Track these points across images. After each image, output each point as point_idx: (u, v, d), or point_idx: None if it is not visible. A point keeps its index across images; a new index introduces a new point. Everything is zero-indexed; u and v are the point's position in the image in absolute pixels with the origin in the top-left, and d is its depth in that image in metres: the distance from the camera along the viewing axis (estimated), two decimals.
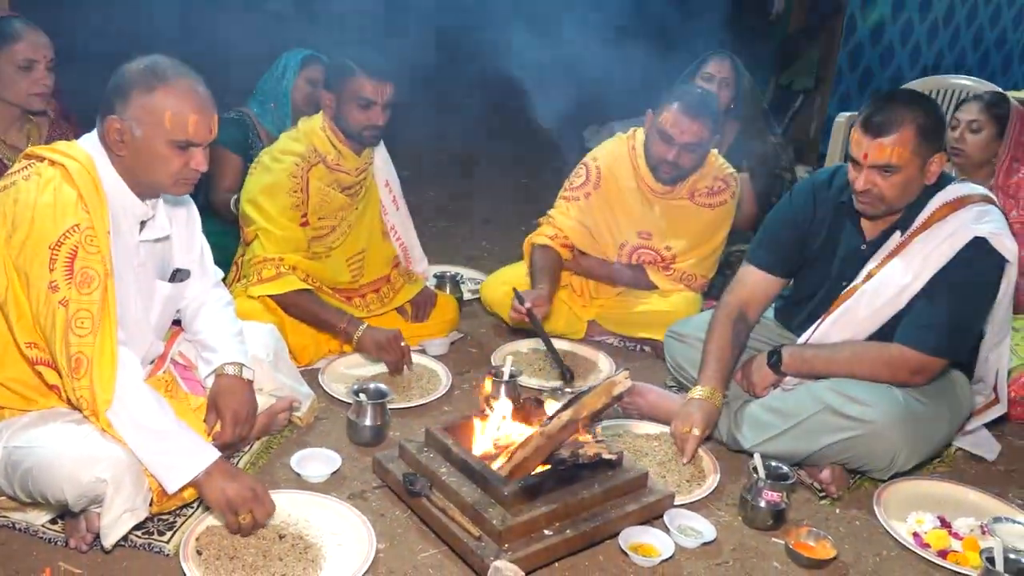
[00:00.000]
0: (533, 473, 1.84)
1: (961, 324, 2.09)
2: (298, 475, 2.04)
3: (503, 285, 2.93)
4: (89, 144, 1.79)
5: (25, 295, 1.68)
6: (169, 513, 1.86)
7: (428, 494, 1.88)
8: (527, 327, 2.67)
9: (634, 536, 1.85)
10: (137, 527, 1.75)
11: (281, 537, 1.80)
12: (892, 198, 2.08)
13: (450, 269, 3.28)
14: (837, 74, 5.95)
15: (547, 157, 5.42)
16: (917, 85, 3.94)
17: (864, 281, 2.17)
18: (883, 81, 6.17)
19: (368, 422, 2.20)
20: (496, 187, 4.90)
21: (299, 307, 2.48)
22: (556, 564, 1.79)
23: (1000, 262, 2.05)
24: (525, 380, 2.53)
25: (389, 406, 2.26)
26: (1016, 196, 2.71)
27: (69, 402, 1.73)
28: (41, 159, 1.72)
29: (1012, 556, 1.73)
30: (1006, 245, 2.03)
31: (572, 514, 1.83)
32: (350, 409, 2.23)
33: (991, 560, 1.72)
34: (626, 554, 1.82)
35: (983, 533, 1.96)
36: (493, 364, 2.60)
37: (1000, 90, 2.96)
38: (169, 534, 1.82)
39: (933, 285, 2.07)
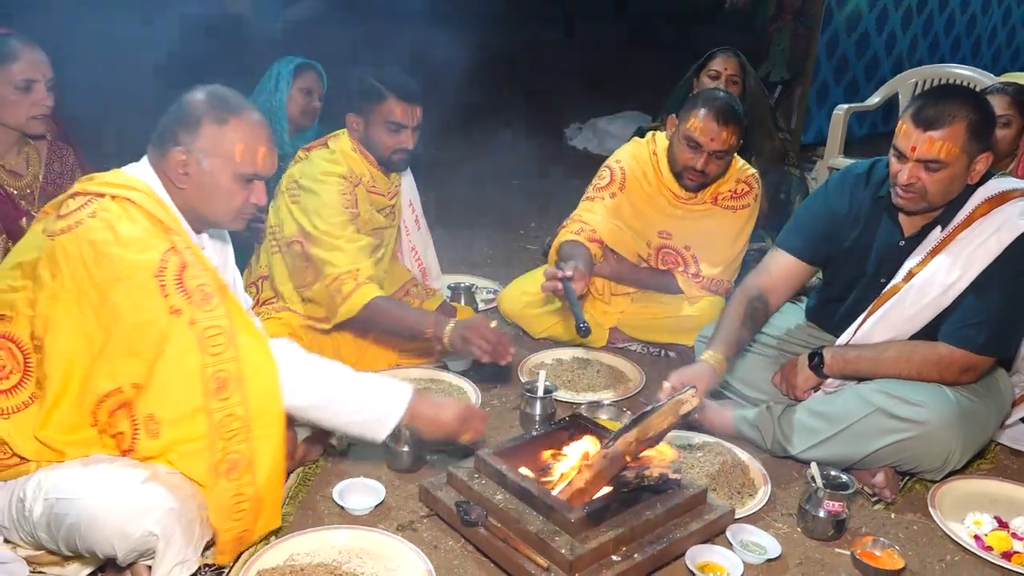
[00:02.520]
0: (596, 497, 1.78)
1: (1012, 321, 2.07)
2: (342, 508, 1.96)
3: (523, 295, 2.87)
4: (143, 173, 1.72)
5: (107, 333, 1.58)
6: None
7: (485, 523, 1.81)
8: (558, 297, 2.45)
9: (700, 555, 1.80)
10: None
11: (336, 575, 1.72)
12: (935, 194, 2.04)
13: (463, 280, 3.19)
14: (815, 64, 5.97)
15: (531, 157, 5.39)
16: (914, 74, 3.96)
17: (906, 280, 2.14)
18: (859, 70, 6.22)
19: (406, 447, 2.12)
20: (489, 192, 4.83)
21: (385, 314, 2.36)
22: None
23: None
24: (560, 395, 2.46)
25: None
26: None
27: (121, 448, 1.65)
28: (100, 195, 1.63)
29: None
30: None
31: (638, 537, 1.77)
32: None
33: None
34: (694, 574, 1.77)
35: None
36: (524, 380, 2.53)
37: (1015, 82, 2.96)
38: None
39: (981, 282, 2.04)
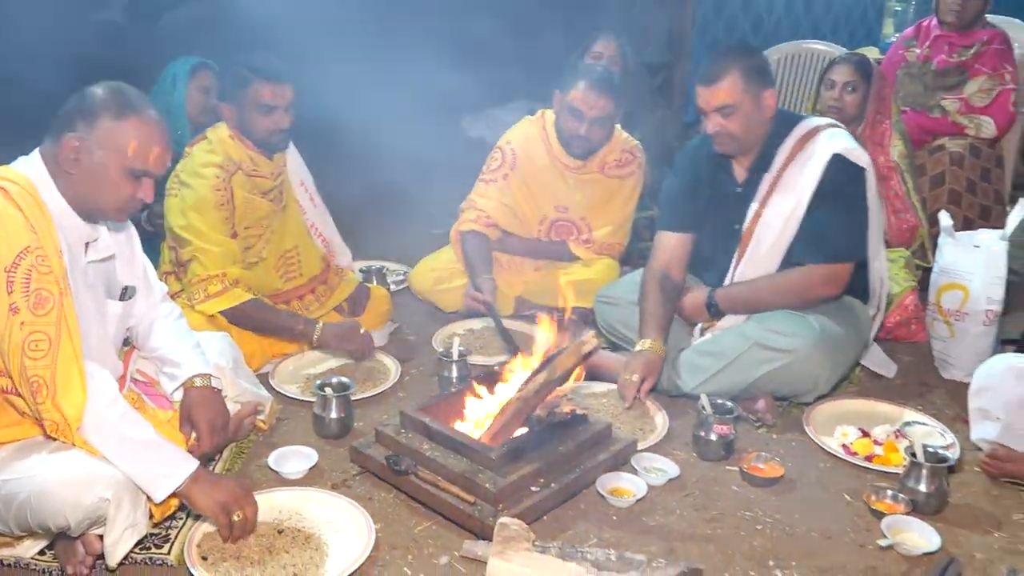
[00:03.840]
0: (514, 436, 1.97)
1: (849, 227, 2.38)
2: (277, 473, 2.08)
3: (432, 272, 3.04)
4: (27, 167, 1.76)
5: None
6: (159, 527, 1.87)
7: (415, 471, 1.98)
8: (480, 314, 2.82)
9: (609, 481, 2.02)
10: (135, 544, 1.76)
11: (280, 532, 1.85)
12: (740, 133, 2.37)
13: (373, 263, 3.33)
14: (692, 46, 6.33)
15: (430, 148, 5.54)
16: (778, 51, 4.32)
17: (754, 221, 2.45)
18: None
19: (335, 415, 2.26)
20: (391, 181, 4.95)
21: (252, 317, 2.49)
22: (545, 517, 1.94)
23: (859, 172, 2.37)
24: (473, 359, 2.64)
25: (352, 398, 2.33)
26: (882, 143, 3.05)
27: (42, 428, 1.72)
28: None
29: (929, 449, 2.01)
30: (860, 156, 2.37)
31: (553, 469, 1.97)
32: (315, 404, 2.28)
33: (913, 454, 1.99)
34: (604, 498, 1.98)
35: (897, 437, 2.25)
36: (439, 347, 2.70)
37: (860, 52, 3.31)
38: (167, 546, 1.83)
39: (814, 204, 2.36)
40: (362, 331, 2.55)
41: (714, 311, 2.47)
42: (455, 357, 2.50)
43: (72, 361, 1.69)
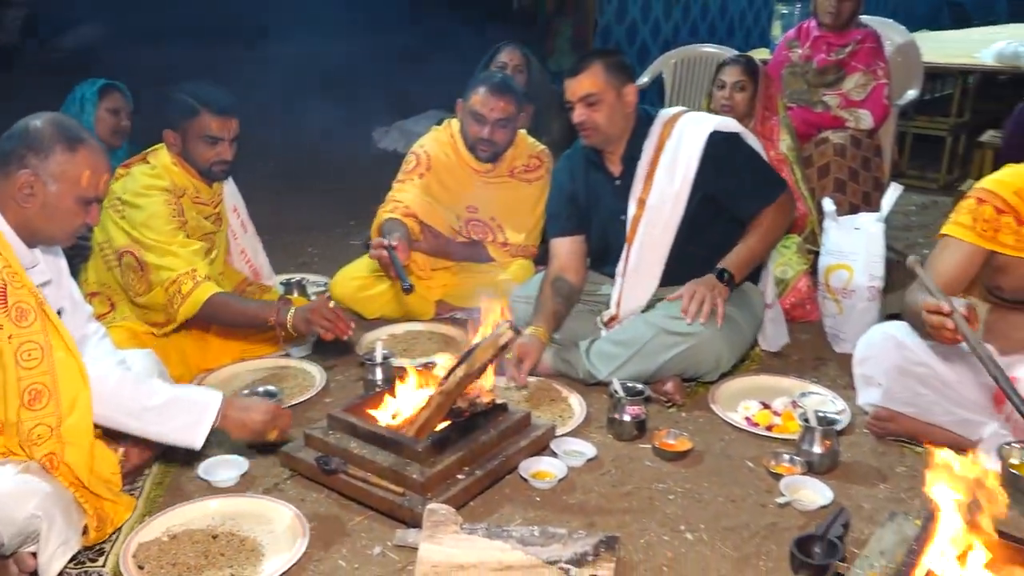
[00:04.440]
0: (438, 429, 2.06)
1: (763, 168, 2.73)
2: (208, 483, 2.13)
3: (353, 280, 3.11)
4: None
5: None
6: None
7: (344, 469, 2.05)
8: (383, 265, 2.75)
9: (531, 466, 2.14)
10: (68, 560, 1.79)
11: (215, 537, 1.90)
12: (604, 124, 2.57)
13: (293, 276, 3.38)
14: None
15: (343, 160, 5.60)
16: (675, 54, 4.53)
17: (640, 208, 2.63)
18: (632, 55, 6.86)
19: None
20: (306, 196, 4.99)
21: (226, 308, 2.49)
22: (472, 503, 2.04)
23: (735, 135, 2.66)
24: (397, 361, 2.72)
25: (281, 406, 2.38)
26: (771, 138, 3.27)
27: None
28: None
29: (820, 414, 2.20)
30: (730, 124, 2.67)
31: (477, 457, 2.08)
32: None
33: (807, 420, 2.17)
34: (527, 481, 2.10)
35: (794, 407, 2.44)
36: (362, 352, 2.78)
37: (747, 54, 3.53)
38: (101, 559, 1.86)
39: (719, 178, 2.58)
40: (331, 304, 2.51)
41: (728, 279, 2.55)
42: (379, 360, 2.58)
43: (70, 364, 1.78)
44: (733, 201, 2.63)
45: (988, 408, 2.18)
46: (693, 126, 2.63)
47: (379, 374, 2.57)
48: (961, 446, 2.20)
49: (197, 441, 1.94)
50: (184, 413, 1.94)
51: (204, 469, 2.15)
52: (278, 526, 1.95)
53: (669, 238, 2.62)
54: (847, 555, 1.77)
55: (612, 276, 2.73)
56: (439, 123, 3.25)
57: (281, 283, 3.25)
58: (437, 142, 3.13)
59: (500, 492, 2.09)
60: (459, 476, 2.02)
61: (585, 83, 2.54)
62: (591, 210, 2.75)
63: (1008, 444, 1.92)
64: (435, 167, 3.09)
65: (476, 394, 2.12)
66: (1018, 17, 8.67)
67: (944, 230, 2.21)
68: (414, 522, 1.90)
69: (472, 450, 2.07)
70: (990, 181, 2.19)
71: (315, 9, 6.98)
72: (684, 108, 2.74)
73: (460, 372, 2.03)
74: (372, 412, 2.19)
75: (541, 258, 3.28)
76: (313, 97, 6.22)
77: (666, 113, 2.70)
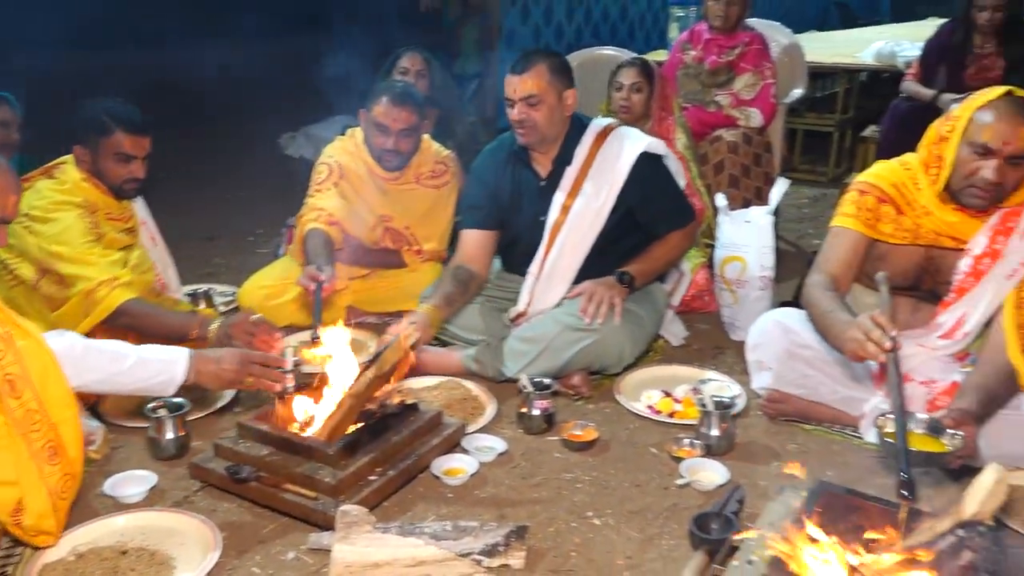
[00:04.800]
0: (349, 432, 2.09)
1: (680, 196, 2.89)
2: (115, 499, 2.10)
3: (261, 289, 3.09)
4: None
5: None
6: None
7: (256, 477, 2.06)
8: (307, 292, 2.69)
9: (443, 463, 2.18)
10: None
11: (124, 553, 1.87)
12: (543, 125, 2.63)
13: (199, 286, 3.33)
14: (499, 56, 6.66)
15: (250, 169, 5.52)
16: (575, 57, 4.63)
17: (564, 213, 2.71)
18: None
19: (171, 435, 2.28)
20: (212, 205, 4.91)
21: (145, 319, 2.44)
22: (385, 503, 2.07)
23: (660, 158, 2.78)
24: (308, 368, 2.72)
25: (187, 418, 2.36)
26: (668, 137, 3.39)
27: None
28: None
29: (717, 399, 2.32)
30: (658, 146, 2.78)
31: (389, 458, 2.11)
32: (149, 428, 2.30)
33: (704, 405, 2.29)
34: (439, 479, 2.14)
35: (694, 393, 2.55)
36: None
37: (643, 57, 3.66)
38: None
39: (641, 196, 2.69)
40: (253, 317, 2.48)
41: (627, 280, 2.66)
42: (289, 368, 2.57)
43: (32, 347, 1.82)
44: (649, 219, 2.75)
45: (869, 385, 2.34)
46: (627, 142, 2.71)
47: (290, 381, 2.56)
48: (846, 422, 2.37)
49: (171, 390, 2.06)
50: (154, 374, 2.02)
51: (110, 486, 2.12)
52: (189, 538, 1.94)
53: (587, 245, 2.70)
54: (742, 529, 1.87)
55: (523, 275, 2.80)
56: (343, 132, 3.25)
57: (187, 294, 3.21)
58: (345, 152, 3.13)
59: (413, 491, 2.13)
60: (371, 477, 2.05)
61: (529, 83, 2.57)
62: (511, 207, 2.79)
63: (884, 415, 2.07)
64: (348, 176, 3.09)
65: (386, 395, 2.15)
66: (900, 17, 9.21)
67: (833, 223, 2.37)
68: (328, 525, 1.92)
69: (384, 451, 2.10)
70: (869, 174, 2.36)
71: (215, 12, 6.84)
72: (616, 120, 2.84)
73: (369, 374, 2.06)
74: (283, 418, 2.19)
75: (449, 261, 3.33)
76: (215, 103, 6.11)
77: (599, 123, 2.78)
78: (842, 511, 1.68)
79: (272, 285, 3.09)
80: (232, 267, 3.90)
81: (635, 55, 3.91)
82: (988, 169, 2.07)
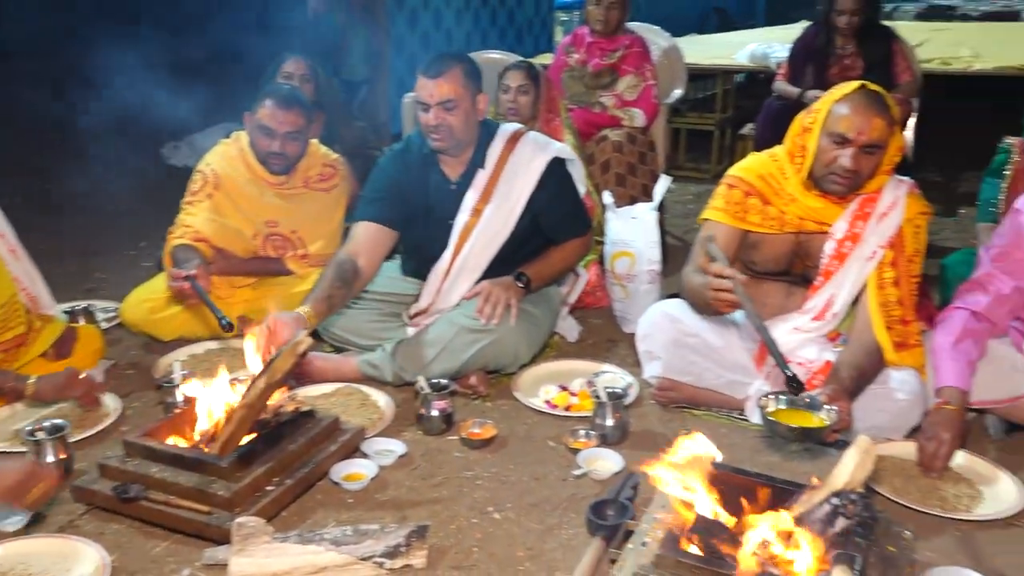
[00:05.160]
0: (243, 443, 2.05)
1: (580, 206, 2.93)
2: None
3: (145, 303, 2.98)
4: None
5: None
6: None
7: (144, 495, 1.99)
8: (187, 296, 2.69)
9: (342, 469, 2.17)
10: None
11: None
12: (458, 129, 2.62)
13: (77, 303, 3.19)
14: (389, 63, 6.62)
15: (132, 180, 5.31)
16: None
17: (475, 215, 2.73)
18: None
19: (51, 458, 2.18)
20: (94, 218, 4.71)
21: None
22: (284, 513, 2.04)
23: (569, 169, 2.83)
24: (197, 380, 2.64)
25: (69, 439, 2.26)
26: (556, 138, 3.44)
27: None
28: None
29: (610, 390, 2.39)
30: (566, 151, 2.85)
31: (286, 467, 2.08)
32: (28, 451, 2.19)
33: (598, 396, 2.35)
34: (339, 485, 2.13)
35: (589, 386, 2.61)
36: (159, 376, 2.68)
37: (528, 60, 3.72)
38: None
39: (547, 202, 2.74)
40: (82, 375, 2.44)
41: (524, 280, 2.70)
42: (178, 382, 2.50)
43: None
44: (551, 225, 2.80)
45: (751, 369, 2.46)
46: (538, 148, 2.75)
47: (179, 397, 2.49)
48: (732, 406, 2.48)
49: None
50: None
51: None
52: (76, 563, 1.86)
53: (495, 248, 2.73)
54: (636, 514, 1.94)
55: (423, 278, 2.80)
56: (227, 136, 3.17)
57: (65, 311, 3.05)
58: (225, 157, 3.06)
59: (312, 499, 2.10)
60: (268, 488, 2.02)
61: (445, 87, 2.54)
62: (420, 210, 2.76)
63: (766, 395, 2.18)
64: (224, 185, 3.02)
65: (280, 404, 2.11)
66: (774, 20, 9.65)
67: (704, 215, 2.49)
68: (223, 539, 1.87)
69: (280, 460, 2.06)
70: (738, 168, 2.49)
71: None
72: (524, 126, 2.86)
73: (261, 383, 2.03)
74: (172, 434, 2.13)
75: None
76: (90, 114, 5.84)
77: (508, 128, 2.79)
78: (731, 489, 1.76)
79: (156, 299, 2.99)
80: (114, 282, 3.74)
81: (521, 59, 3.97)
82: (845, 157, 2.21)
